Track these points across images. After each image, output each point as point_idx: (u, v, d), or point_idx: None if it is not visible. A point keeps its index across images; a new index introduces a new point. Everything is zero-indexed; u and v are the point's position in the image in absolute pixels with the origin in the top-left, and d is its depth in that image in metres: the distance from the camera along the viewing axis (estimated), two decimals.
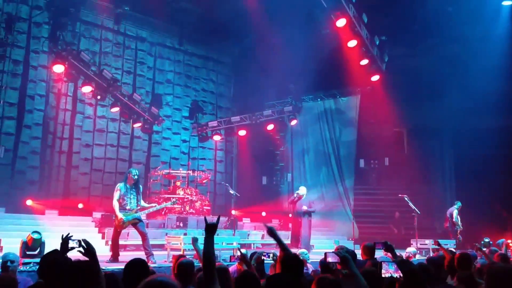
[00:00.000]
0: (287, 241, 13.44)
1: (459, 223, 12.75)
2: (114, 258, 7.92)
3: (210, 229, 3.09)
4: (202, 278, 2.97)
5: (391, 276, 3.51)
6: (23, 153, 12.83)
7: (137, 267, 3.32)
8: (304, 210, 11.04)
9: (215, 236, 3.11)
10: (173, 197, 11.47)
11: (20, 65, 13.02)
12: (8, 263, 4.83)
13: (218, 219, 3.32)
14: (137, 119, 14.44)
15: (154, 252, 8.16)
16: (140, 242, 8.24)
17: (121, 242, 8.71)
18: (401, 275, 3.47)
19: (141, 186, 8.57)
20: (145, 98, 15.42)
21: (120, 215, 7.97)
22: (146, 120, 14.60)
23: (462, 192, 15.59)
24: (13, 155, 12.61)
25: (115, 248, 8.07)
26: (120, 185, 8.22)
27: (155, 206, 8.84)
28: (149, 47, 16.16)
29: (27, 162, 12.85)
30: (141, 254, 8.31)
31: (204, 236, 3.09)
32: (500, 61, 14.22)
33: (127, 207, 8.05)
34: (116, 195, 8.09)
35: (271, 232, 4.15)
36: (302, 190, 11.42)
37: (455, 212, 12.79)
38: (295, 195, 11.51)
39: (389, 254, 5.17)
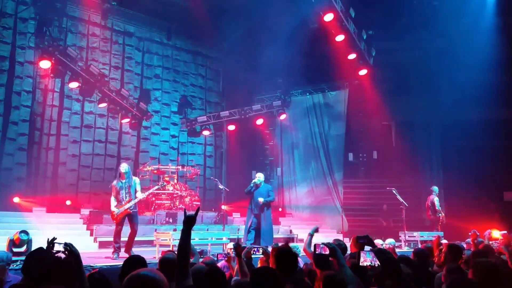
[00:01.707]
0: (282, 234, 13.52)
1: (441, 209, 12.86)
2: (117, 251, 8.05)
3: (189, 222, 2.98)
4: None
5: (371, 265, 3.59)
6: (10, 150, 12.70)
7: (135, 264, 3.32)
8: (262, 202, 9.72)
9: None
10: (160, 182, 11.46)
11: (6, 61, 12.89)
12: None
13: (197, 211, 3.19)
14: (125, 114, 14.37)
15: (143, 249, 8.22)
16: (141, 238, 8.35)
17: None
18: (379, 263, 3.54)
19: (135, 179, 8.60)
20: (133, 94, 15.32)
21: (113, 209, 8.25)
22: (135, 116, 14.53)
23: (449, 184, 15.79)
24: None
25: (116, 242, 8.19)
26: (113, 182, 8.47)
27: (143, 194, 8.78)
28: (137, 42, 16.05)
29: (14, 159, 12.73)
30: (139, 251, 8.34)
31: (182, 228, 2.98)
32: (486, 54, 14.38)
33: (123, 202, 8.26)
34: (113, 191, 8.35)
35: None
36: (260, 177, 9.99)
37: (436, 200, 12.82)
38: (252, 184, 9.91)
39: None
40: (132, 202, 8.30)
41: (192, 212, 3.05)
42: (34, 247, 6.87)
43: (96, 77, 13.07)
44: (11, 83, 12.90)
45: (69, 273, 2.86)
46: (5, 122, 12.72)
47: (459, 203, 14.80)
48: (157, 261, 5.23)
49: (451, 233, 12.30)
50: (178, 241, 2.97)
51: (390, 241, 7.86)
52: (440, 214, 12.73)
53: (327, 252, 3.59)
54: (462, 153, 15.28)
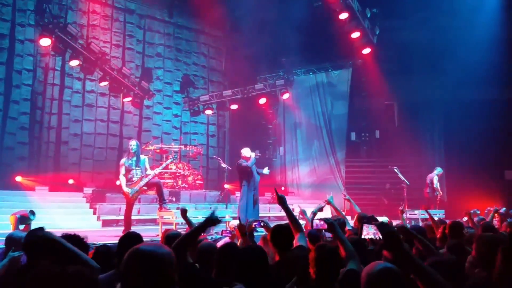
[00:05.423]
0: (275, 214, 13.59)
1: (439, 188, 13.05)
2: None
3: (212, 222, 3.18)
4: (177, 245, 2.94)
5: (372, 239, 3.58)
6: (12, 129, 12.65)
7: (131, 240, 3.31)
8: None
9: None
10: (172, 155, 11.40)
11: (6, 39, 12.73)
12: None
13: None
14: (127, 93, 14.26)
15: (147, 227, 8.23)
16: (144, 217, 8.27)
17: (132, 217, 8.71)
18: (381, 236, 3.53)
19: (144, 157, 8.54)
20: (135, 72, 15.23)
21: (126, 189, 8.09)
22: (137, 95, 14.44)
23: (451, 163, 15.77)
24: (1, 131, 12.46)
25: (127, 223, 8.17)
26: (123, 160, 8.33)
27: (156, 170, 8.71)
28: (138, 19, 15.84)
29: (15, 138, 12.69)
30: (142, 229, 8.38)
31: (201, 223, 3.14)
32: (491, 33, 14.21)
33: (134, 179, 8.14)
34: (121, 170, 8.20)
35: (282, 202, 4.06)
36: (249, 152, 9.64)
37: (435, 178, 13.03)
38: (254, 160, 9.62)
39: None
40: (145, 181, 8.20)
41: (218, 216, 3.28)
42: (36, 226, 6.91)
43: (97, 55, 12.94)
44: (12, 62, 12.77)
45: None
46: (6, 101, 12.64)
47: (460, 182, 14.82)
48: (160, 239, 5.26)
49: (452, 212, 12.36)
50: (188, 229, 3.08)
51: (383, 219, 7.88)
52: (437, 193, 12.91)
53: (326, 227, 3.57)
54: (464, 132, 15.21)
